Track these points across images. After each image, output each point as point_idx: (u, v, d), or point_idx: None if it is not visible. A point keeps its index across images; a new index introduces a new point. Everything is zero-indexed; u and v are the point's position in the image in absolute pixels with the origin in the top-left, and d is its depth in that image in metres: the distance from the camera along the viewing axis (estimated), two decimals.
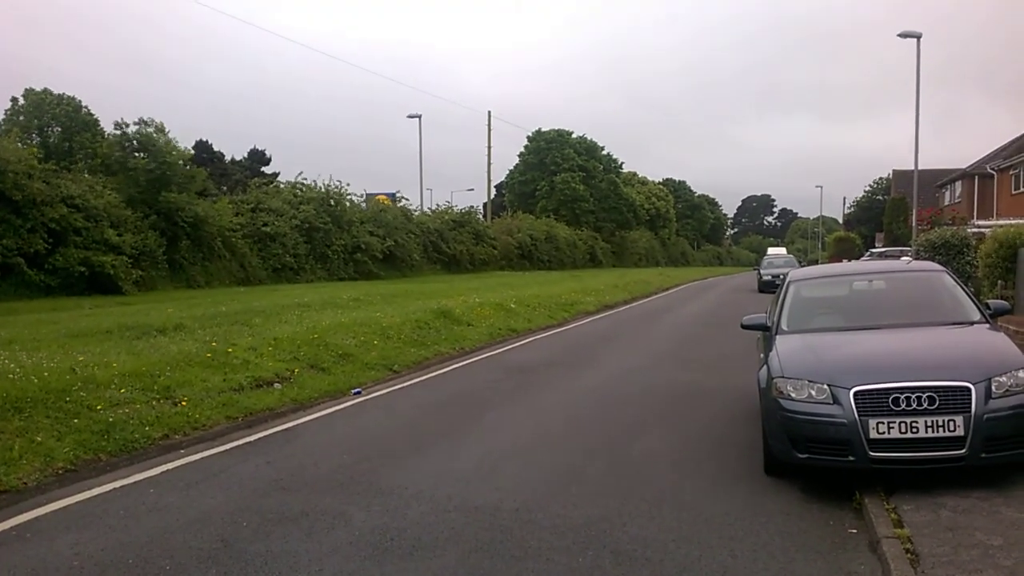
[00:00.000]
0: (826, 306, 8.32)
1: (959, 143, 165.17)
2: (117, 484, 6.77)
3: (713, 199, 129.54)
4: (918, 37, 31.33)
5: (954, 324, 7.29)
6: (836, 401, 6.00)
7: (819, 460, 6.12)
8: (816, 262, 64.61)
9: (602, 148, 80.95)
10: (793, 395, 6.23)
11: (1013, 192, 40.10)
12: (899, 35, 31.62)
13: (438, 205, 57.92)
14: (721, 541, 5.25)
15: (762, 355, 7.64)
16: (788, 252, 54.91)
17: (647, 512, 5.86)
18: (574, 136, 79.04)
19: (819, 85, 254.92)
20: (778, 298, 8.42)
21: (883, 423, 5.81)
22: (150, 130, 30.55)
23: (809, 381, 6.21)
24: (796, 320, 7.73)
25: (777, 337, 7.38)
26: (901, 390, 5.83)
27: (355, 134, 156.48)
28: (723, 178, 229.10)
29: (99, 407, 8.31)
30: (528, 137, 79.37)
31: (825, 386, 6.10)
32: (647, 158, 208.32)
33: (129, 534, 5.56)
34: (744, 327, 8.31)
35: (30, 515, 6.00)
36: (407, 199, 53.12)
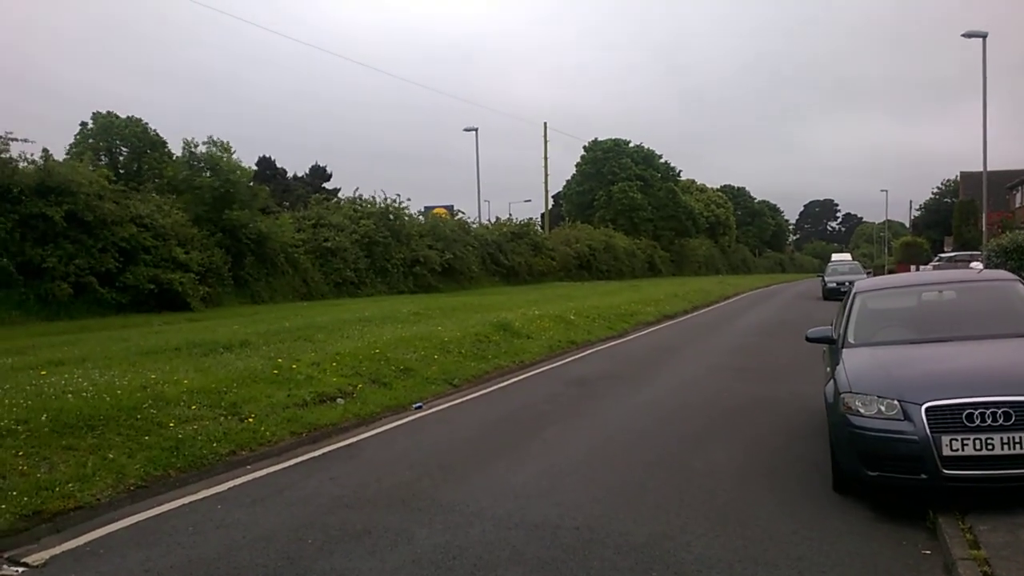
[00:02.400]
0: (894, 318, 8.11)
1: None
2: (186, 500, 6.93)
3: (774, 205, 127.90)
4: (983, 36, 30.54)
5: None
6: (907, 417, 5.83)
7: (890, 478, 5.94)
8: (883, 268, 63.16)
9: (659, 156, 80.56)
10: (862, 411, 6.07)
11: None
12: (963, 35, 30.84)
13: (497, 218, 58.21)
14: (789, 562, 5.14)
15: (828, 369, 7.47)
16: (853, 258, 53.79)
17: (711, 530, 5.77)
18: (631, 145, 78.84)
19: (885, 83, 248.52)
20: (844, 310, 8.23)
21: (957, 440, 5.62)
22: (216, 149, 31.35)
23: (878, 396, 6.05)
24: (863, 333, 7.54)
25: (844, 351, 7.21)
26: (975, 405, 5.64)
27: (412, 148, 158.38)
28: (784, 183, 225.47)
29: (169, 424, 8.51)
30: (584, 147, 79.53)
31: (895, 402, 5.93)
32: (705, 165, 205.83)
33: (197, 551, 5.67)
34: (809, 340, 8.14)
35: (103, 531, 6.17)
36: (464, 212, 53.46)
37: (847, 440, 6.15)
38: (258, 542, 5.81)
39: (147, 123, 49.96)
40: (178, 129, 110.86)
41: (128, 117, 49.71)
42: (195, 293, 26.22)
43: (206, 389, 9.85)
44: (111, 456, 7.50)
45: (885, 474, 5.93)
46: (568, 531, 5.82)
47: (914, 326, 7.82)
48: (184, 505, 6.80)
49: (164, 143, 48.56)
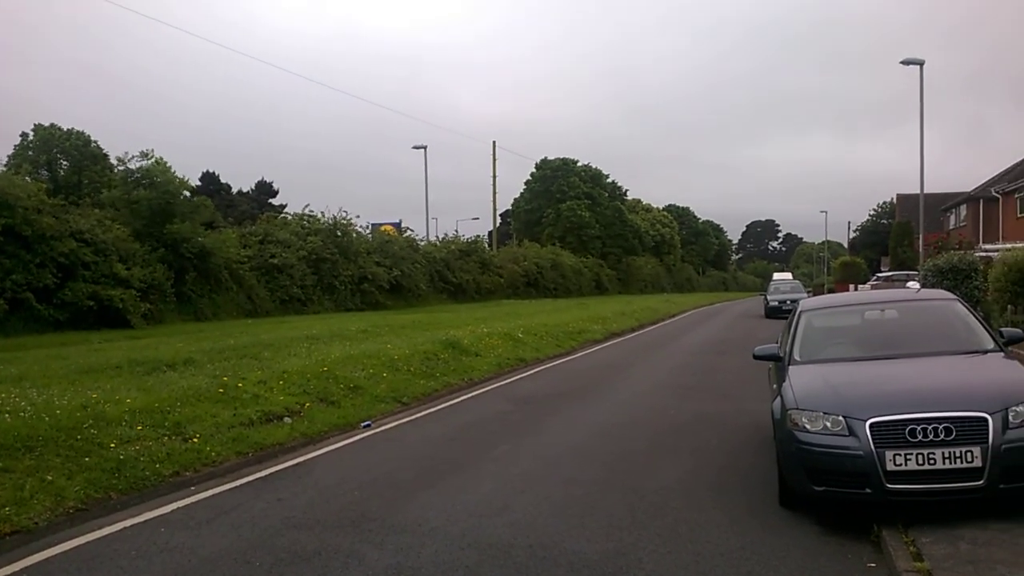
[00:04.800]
0: (838, 336, 8.28)
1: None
2: (128, 523, 6.73)
3: (717, 225, 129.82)
4: (920, 64, 31.49)
5: (968, 353, 7.25)
6: (852, 433, 5.96)
7: (835, 493, 6.05)
8: (823, 287, 64.48)
9: (607, 176, 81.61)
10: (808, 427, 6.18)
11: (1019, 215, 39.94)
12: (902, 62, 31.75)
13: (444, 235, 58.16)
14: None
15: (775, 386, 7.60)
16: (793, 277, 54.87)
17: (662, 546, 5.81)
18: (579, 164, 79.67)
19: (826, 106, 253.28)
20: (789, 328, 8.38)
21: (900, 455, 5.76)
22: (150, 162, 30.80)
23: (824, 413, 6.16)
24: (809, 350, 7.68)
25: (790, 368, 7.34)
26: (917, 421, 5.79)
27: (358, 164, 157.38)
28: (727, 204, 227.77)
29: (110, 444, 8.29)
30: (536, 165, 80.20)
31: (840, 418, 6.06)
32: (651, 182, 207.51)
33: (141, 575, 5.52)
34: (756, 358, 8.28)
35: (41, 556, 5.96)
36: (412, 229, 53.33)
37: (794, 456, 6.25)
38: (204, 566, 5.68)
39: (89, 135, 48.98)
40: (123, 147, 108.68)
41: (70, 130, 48.70)
42: (136, 310, 25.60)
43: (149, 408, 9.64)
44: (50, 478, 7.28)
45: (831, 489, 6.04)
46: (522, 550, 5.80)
47: (858, 344, 8.00)
48: (126, 528, 6.61)
49: (106, 156, 47.53)
